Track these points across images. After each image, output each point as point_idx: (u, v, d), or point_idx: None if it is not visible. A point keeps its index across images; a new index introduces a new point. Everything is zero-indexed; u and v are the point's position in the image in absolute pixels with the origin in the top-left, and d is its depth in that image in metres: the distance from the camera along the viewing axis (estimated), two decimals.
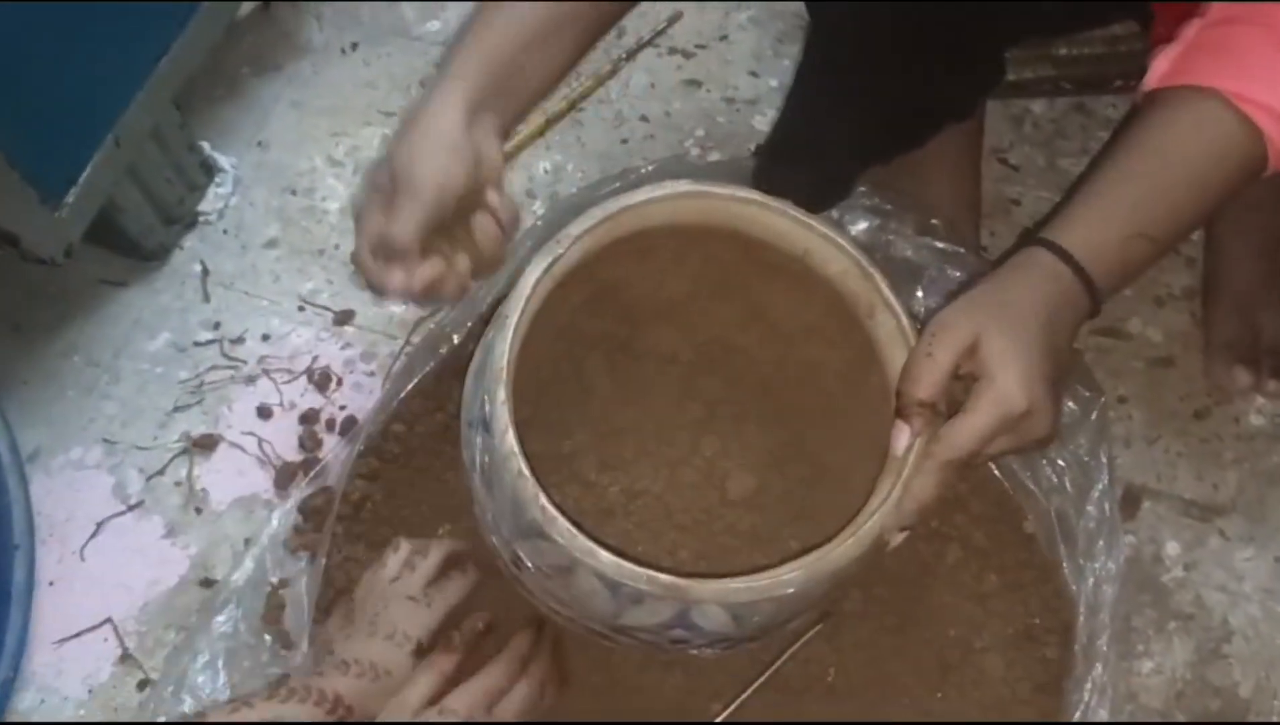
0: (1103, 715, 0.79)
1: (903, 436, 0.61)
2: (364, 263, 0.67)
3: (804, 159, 0.87)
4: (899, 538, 0.62)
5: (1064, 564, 0.85)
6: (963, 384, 0.61)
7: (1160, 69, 0.68)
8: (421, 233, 0.64)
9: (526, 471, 0.60)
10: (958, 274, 0.91)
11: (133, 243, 1.05)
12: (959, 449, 0.60)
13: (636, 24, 1.20)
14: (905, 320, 0.66)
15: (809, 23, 0.83)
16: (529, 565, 0.65)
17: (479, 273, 0.68)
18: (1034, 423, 0.60)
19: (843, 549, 0.60)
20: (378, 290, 0.66)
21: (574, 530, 0.59)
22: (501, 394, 0.61)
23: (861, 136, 0.86)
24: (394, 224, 0.63)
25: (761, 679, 0.80)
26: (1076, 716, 0.80)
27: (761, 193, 0.69)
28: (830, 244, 0.68)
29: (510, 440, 0.60)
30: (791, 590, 0.59)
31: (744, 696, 0.80)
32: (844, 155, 0.88)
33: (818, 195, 0.88)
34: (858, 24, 0.78)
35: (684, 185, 0.67)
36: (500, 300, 0.67)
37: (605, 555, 0.58)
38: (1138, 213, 0.65)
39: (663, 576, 0.58)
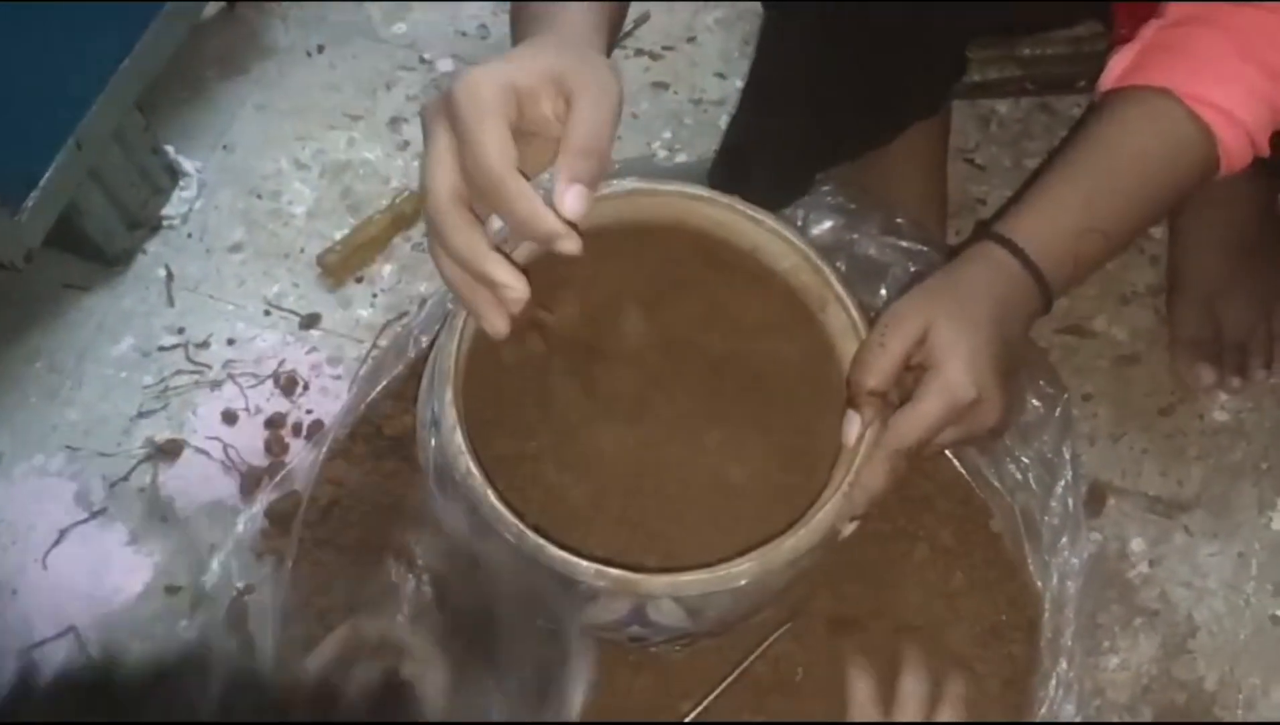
0: (1069, 710, 0.79)
1: (854, 426, 0.62)
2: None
3: (762, 155, 0.87)
4: (850, 527, 0.62)
5: (1029, 561, 0.86)
6: (914, 374, 0.61)
7: (1117, 68, 0.69)
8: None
9: (475, 469, 0.60)
10: (919, 271, 0.91)
11: (95, 247, 1.04)
12: (907, 437, 0.60)
13: None
14: (856, 313, 0.66)
15: (765, 15, 0.83)
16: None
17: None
18: (983, 412, 0.61)
19: (794, 540, 0.60)
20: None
21: (523, 527, 0.59)
22: (449, 393, 0.61)
23: (821, 132, 0.86)
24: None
25: (730, 678, 0.80)
26: (1042, 712, 0.80)
27: (715, 188, 0.69)
28: (779, 239, 0.68)
29: (458, 439, 0.60)
30: (744, 582, 0.59)
31: (713, 696, 0.80)
32: (804, 151, 0.88)
33: (776, 192, 0.88)
34: (817, 16, 0.78)
35: (631, 182, 0.67)
36: None
37: (554, 550, 0.58)
38: (1089, 208, 0.65)
39: (612, 570, 0.58)
